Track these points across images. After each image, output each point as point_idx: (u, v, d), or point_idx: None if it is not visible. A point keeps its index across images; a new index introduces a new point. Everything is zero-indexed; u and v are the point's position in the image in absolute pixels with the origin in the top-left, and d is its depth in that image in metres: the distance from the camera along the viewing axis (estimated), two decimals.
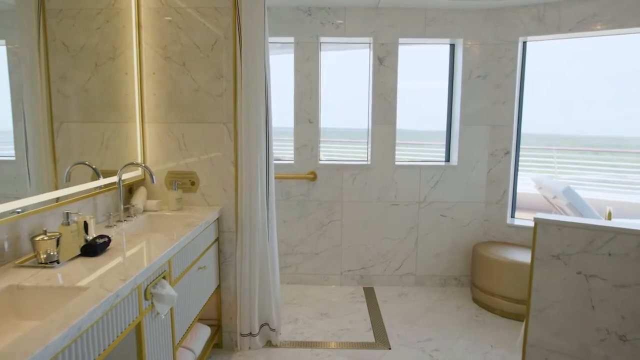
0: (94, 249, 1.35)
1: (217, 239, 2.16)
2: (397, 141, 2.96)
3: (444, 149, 3.15)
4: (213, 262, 2.10)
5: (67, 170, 1.58)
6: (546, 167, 5.95)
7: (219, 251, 2.18)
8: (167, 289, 1.38)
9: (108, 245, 1.42)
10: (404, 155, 3.68)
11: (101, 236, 1.41)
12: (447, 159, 3.13)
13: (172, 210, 2.06)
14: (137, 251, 1.45)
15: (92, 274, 1.20)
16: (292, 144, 2.96)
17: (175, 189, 2.07)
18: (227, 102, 2.06)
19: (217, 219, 2.12)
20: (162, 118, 2.09)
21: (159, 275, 1.41)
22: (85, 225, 1.45)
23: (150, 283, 1.33)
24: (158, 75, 2.06)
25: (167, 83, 2.06)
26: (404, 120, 3.00)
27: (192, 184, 2.14)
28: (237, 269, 2.15)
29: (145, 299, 1.30)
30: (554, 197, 3.43)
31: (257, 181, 2.08)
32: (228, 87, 2.05)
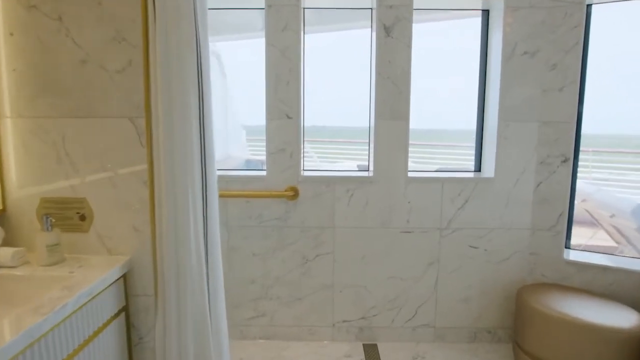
0: None
1: (125, 309, 1.33)
2: (410, 142, 2.12)
3: (472, 154, 2.32)
4: (115, 349, 1.27)
5: None
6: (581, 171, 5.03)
7: (128, 328, 1.35)
8: None
9: None
10: (417, 162, 2.83)
11: None
12: (478, 168, 2.29)
13: (42, 264, 1.23)
14: None
15: None
16: (264, 148, 2.13)
17: (48, 229, 1.23)
18: (133, 83, 1.23)
19: (123, 275, 1.30)
20: (27, 110, 1.26)
21: None
22: None
23: None
24: (19, 38, 1.23)
25: (33, 50, 1.23)
26: (417, 114, 2.16)
27: (82, 218, 1.30)
28: (159, 354, 1.33)
29: None
30: (612, 216, 2.58)
31: (187, 209, 1.25)
32: (135, 57, 1.22)
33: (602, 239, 3.55)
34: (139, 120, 1.25)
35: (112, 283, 1.25)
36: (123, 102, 1.24)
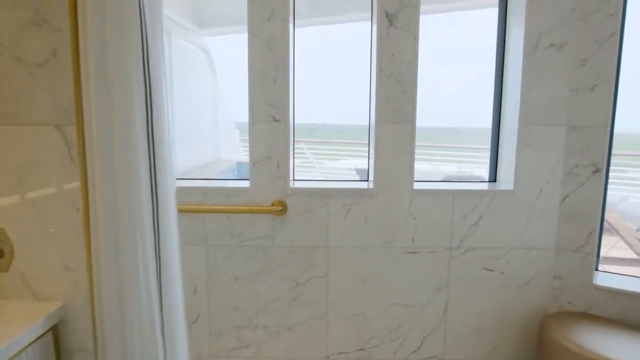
0: None
1: None
2: (416, 145, 1.83)
3: (481, 157, 2.04)
4: None
5: None
6: None
7: None
8: None
9: None
10: (420, 163, 2.55)
11: None
12: (493, 178, 2.01)
13: None
14: None
15: None
16: (247, 155, 1.84)
17: None
18: (59, 79, 0.95)
19: (53, 327, 1.02)
20: None
21: None
22: None
23: None
24: None
25: None
26: (420, 111, 1.87)
27: (0, 254, 1.02)
28: None
29: None
30: (639, 230, 2.29)
31: (133, 240, 0.97)
32: (60, 46, 0.94)
33: (621, 247, 3.28)
34: (68, 128, 0.97)
35: (38, 338, 0.97)
36: (47, 104, 0.96)
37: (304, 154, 6.09)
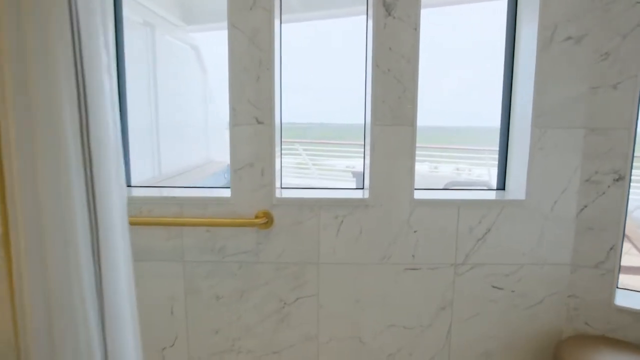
0: None
1: None
2: (417, 148, 1.64)
3: (483, 159, 1.84)
4: None
5: None
6: None
7: None
8: None
9: None
10: (418, 167, 2.36)
11: None
12: (502, 185, 1.82)
13: None
14: None
15: None
16: (228, 162, 1.65)
17: None
18: None
19: None
20: None
21: None
22: None
23: None
24: None
25: None
26: (419, 111, 1.68)
27: None
28: None
29: None
30: None
31: (67, 271, 0.78)
32: None
33: (633, 254, 3.10)
34: None
35: None
36: None
37: (300, 155, 5.91)
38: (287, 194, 1.68)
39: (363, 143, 1.76)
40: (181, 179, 3.34)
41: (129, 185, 1.79)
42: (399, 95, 1.58)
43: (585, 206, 1.63)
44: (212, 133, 4.47)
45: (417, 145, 1.64)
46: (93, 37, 0.79)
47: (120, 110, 1.77)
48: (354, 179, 4.21)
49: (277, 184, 1.69)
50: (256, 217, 1.63)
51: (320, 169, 5.60)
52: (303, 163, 5.52)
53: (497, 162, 1.83)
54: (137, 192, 1.73)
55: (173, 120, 3.66)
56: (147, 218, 1.62)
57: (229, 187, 1.64)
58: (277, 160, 1.67)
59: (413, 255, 1.68)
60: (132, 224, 1.58)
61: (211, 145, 4.60)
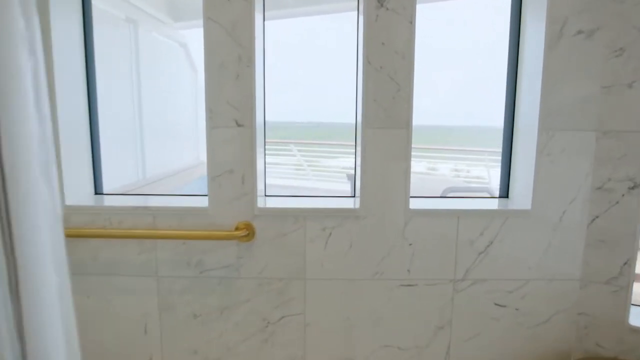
0: None
1: None
2: (412, 153, 1.50)
3: (483, 159, 1.69)
4: None
5: None
6: None
7: None
8: None
9: None
10: (416, 170, 2.21)
11: None
12: (505, 193, 1.68)
13: None
14: None
15: None
16: (204, 169, 1.50)
17: None
18: None
19: None
20: None
21: None
22: None
23: None
24: None
25: None
26: (415, 111, 1.53)
27: None
28: None
29: None
30: None
31: None
32: None
33: None
34: None
35: None
36: None
37: (294, 155, 5.76)
38: (270, 203, 1.54)
39: (354, 146, 1.62)
40: (167, 183, 3.19)
41: (98, 193, 1.64)
42: (392, 95, 1.44)
43: (597, 216, 1.49)
44: (203, 133, 4.30)
45: (412, 146, 1.50)
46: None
47: (91, 111, 1.62)
48: (349, 181, 4.07)
49: (260, 192, 1.55)
50: (236, 228, 1.48)
51: (315, 169, 5.46)
52: (298, 165, 5.38)
53: (497, 163, 1.69)
54: (108, 201, 1.58)
55: (161, 121, 3.51)
56: (116, 230, 1.48)
57: (205, 195, 1.50)
58: (260, 166, 1.53)
59: (408, 270, 1.53)
60: (99, 236, 1.42)
61: (202, 146, 4.43)
